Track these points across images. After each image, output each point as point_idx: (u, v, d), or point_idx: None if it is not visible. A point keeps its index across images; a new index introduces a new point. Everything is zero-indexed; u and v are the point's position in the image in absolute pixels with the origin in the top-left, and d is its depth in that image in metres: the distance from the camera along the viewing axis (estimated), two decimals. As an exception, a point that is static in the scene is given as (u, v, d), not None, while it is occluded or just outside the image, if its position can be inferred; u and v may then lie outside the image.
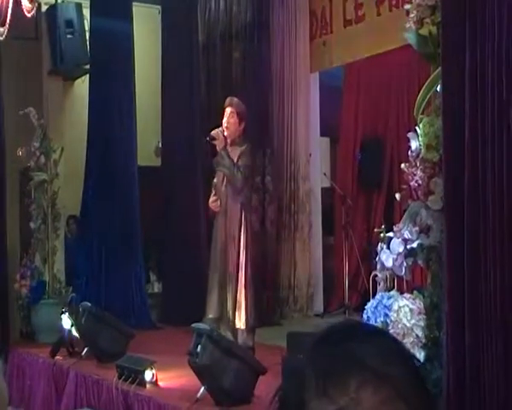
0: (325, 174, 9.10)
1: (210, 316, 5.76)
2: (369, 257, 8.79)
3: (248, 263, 5.91)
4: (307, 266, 8.94)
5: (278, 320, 8.26)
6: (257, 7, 8.86)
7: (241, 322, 5.80)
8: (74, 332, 6.30)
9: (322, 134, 9.52)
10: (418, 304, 3.55)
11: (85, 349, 6.09)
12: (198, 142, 8.25)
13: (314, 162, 9.10)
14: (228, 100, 6.10)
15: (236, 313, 5.80)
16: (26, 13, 7.29)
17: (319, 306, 8.94)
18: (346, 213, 8.88)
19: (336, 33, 8.74)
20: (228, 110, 5.97)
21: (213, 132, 5.94)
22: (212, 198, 5.98)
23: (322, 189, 9.35)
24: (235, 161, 5.84)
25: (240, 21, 8.96)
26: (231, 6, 9.03)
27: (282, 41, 8.96)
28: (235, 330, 5.75)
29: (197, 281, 7.88)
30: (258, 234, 8.32)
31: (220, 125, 6.01)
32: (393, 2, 7.67)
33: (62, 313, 6.47)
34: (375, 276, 4.07)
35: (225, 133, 5.91)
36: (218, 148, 5.90)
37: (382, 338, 0.85)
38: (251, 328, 5.91)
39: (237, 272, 5.83)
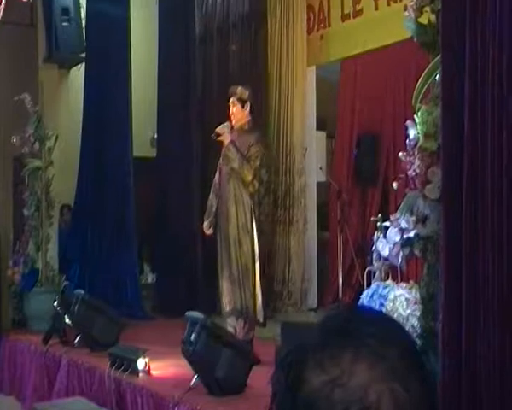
0: (321, 168, 9.06)
1: (227, 309, 5.65)
2: (363, 253, 8.78)
3: (261, 254, 5.86)
4: (302, 261, 8.92)
5: (271, 314, 8.23)
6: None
7: (258, 315, 5.73)
8: (67, 320, 6.27)
9: (319, 128, 9.49)
10: (414, 294, 3.53)
11: (78, 337, 6.05)
12: (194, 133, 8.22)
13: (310, 156, 9.07)
14: (229, 91, 6.00)
15: (257, 306, 5.73)
16: (21, -2, 7.24)
17: (313, 300, 8.91)
18: (342, 209, 8.84)
19: (334, 27, 8.71)
20: (230, 101, 5.89)
21: (218, 128, 5.85)
22: (205, 223, 5.94)
23: (318, 183, 9.31)
24: (246, 151, 5.76)
25: (237, 14, 8.93)
26: (229, -2, 9.01)
27: (280, 34, 8.92)
28: (251, 323, 5.63)
29: (191, 273, 7.86)
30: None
31: (217, 118, 5.98)
32: (392, -3, 7.66)
33: (55, 300, 6.43)
34: (370, 271, 4.05)
35: (233, 123, 5.83)
36: (225, 143, 5.80)
37: (383, 321, 0.85)
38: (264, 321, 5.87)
39: (253, 264, 5.75)
